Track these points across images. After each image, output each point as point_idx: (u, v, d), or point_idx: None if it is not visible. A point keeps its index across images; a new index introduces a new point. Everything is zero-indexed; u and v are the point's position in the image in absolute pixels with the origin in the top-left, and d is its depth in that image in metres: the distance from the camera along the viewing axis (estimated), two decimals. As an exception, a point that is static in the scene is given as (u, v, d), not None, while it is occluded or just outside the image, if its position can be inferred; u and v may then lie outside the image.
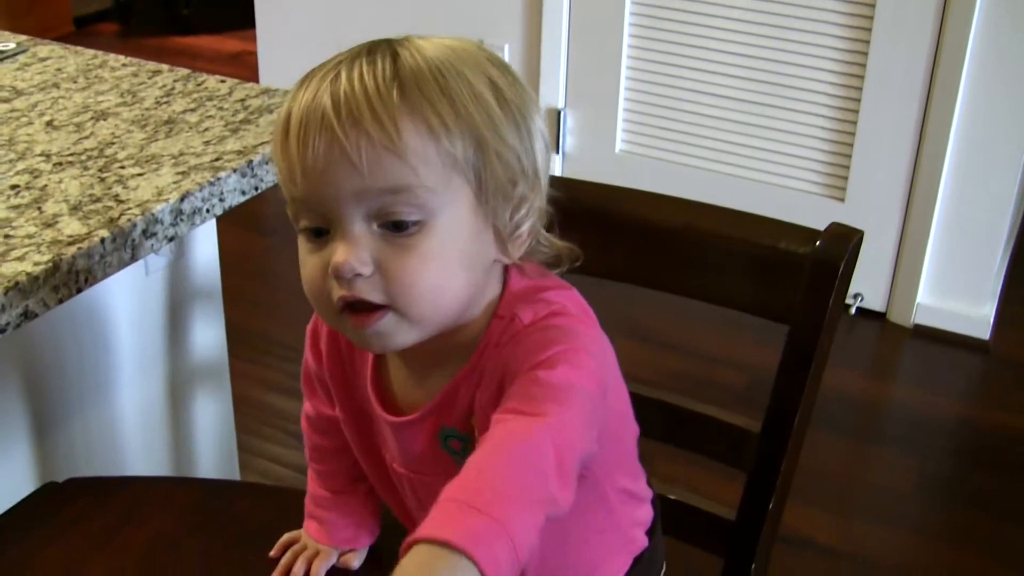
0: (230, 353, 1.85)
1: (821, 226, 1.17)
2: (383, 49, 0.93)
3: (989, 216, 2.97)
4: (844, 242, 1.13)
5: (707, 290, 1.23)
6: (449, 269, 0.93)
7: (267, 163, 1.38)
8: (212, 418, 1.85)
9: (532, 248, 1.00)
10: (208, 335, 1.78)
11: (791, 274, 1.15)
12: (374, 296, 0.92)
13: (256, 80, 3.76)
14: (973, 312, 3.06)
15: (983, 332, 3.06)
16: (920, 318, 3.11)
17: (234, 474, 1.94)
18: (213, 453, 1.87)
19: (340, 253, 0.91)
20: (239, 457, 1.97)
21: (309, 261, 0.95)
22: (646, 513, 1.18)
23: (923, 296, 3.10)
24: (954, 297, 3.07)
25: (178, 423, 1.78)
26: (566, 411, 0.89)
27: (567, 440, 0.88)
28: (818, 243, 1.15)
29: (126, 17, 5.41)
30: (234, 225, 1.75)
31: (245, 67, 4.64)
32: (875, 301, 3.14)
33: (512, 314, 0.97)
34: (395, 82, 0.89)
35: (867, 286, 3.12)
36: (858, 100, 2.99)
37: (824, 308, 1.13)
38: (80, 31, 5.13)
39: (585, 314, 1.01)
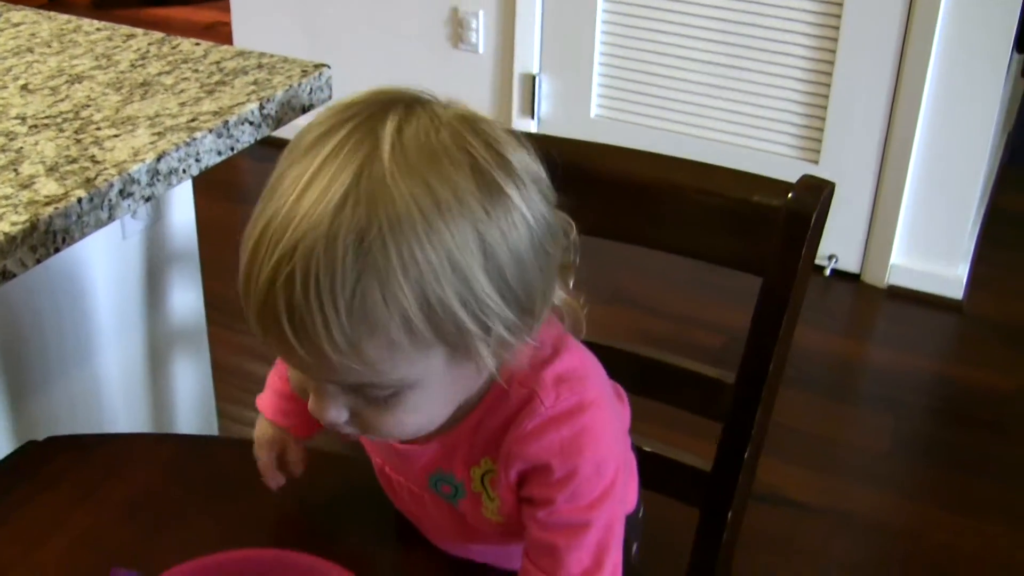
0: (208, 321, 1.85)
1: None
2: (352, 185, 0.79)
3: (962, 178, 2.99)
4: (816, 193, 1.14)
5: (682, 244, 1.23)
6: (432, 412, 0.91)
7: (243, 124, 1.38)
8: (191, 382, 1.85)
9: None
10: (186, 299, 1.79)
11: (765, 226, 1.16)
12: (354, 432, 0.92)
13: (230, 49, 3.76)
14: (947, 273, 3.09)
15: (956, 292, 3.08)
16: (894, 279, 3.13)
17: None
18: (193, 417, 1.87)
19: (313, 404, 0.89)
20: (219, 424, 1.98)
21: (290, 369, 0.91)
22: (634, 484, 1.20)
23: (897, 257, 3.12)
24: (928, 258, 3.10)
25: (158, 387, 1.79)
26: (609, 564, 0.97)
27: None
28: (790, 195, 1.16)
29: (100, -12, 5.38)
30: (208, 194, 1.75)
31: (219, 37, 4.60)
32: (850, 262, 3.16)
33: (530, 389, 0.94)
34: (357, 282, 0.78)
35: (841, 247, 3.14)
36: (831, 63, 3.00)
37: (797, 259, 1.14)
38: (53, 2, 5.09)
39: (596, 371, 1.00)
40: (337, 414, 0.88)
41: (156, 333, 1.75)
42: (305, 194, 0.79)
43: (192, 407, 1.87)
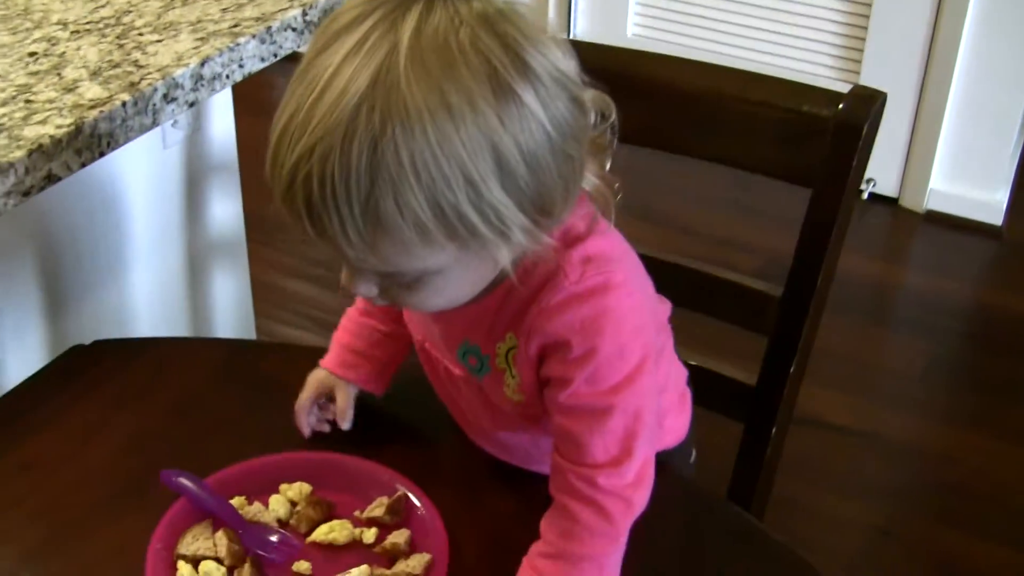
0: (246, 238, 1.85)
1: (834, 109, 1.17)
2: (368, 89, 0.80)
3: (1003, 102, 2.95)
4: (868, 104, 1.13)
5: (728, 154, 1.22)
6: (458, 292, 0.93)
7: (285, 30, 1.37)
8: (230, 294, 1.86)
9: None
10: (225, 210, 1.79)
11: (813, 137, 1.15)
12: (385, 304, 0.96)
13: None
14: (986, 198, 3.06)
15: (996, 218, 3.05)
16: (933, 203, 3.10)
17: (252, 345, 1.95)
18: (230, 330, 1.88)
19: (344, 278, 0.92)
20: (256, 330, 1.99)
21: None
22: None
23: (936, 182, 3.09)
24: (967, 183, 3.07)
25: (197, 298, 1.80)
26: (632, 464, 0.97)
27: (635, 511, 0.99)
28: (841, 105, 1.14)
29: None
30: (247, 112, 1.74)
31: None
32: (888, 186, 3.14)
33: (557, 264, 0.94)
34: (371, 187, 0.80)
35: (880, 171, 3.11)
36: (874, -17, 2.96)
37: (847, 170, 1.13)
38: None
39: (628, 257, 1.00)
40: (367, 289, 0.91)
41: (195, 244, 1.75)
42: (324, 94, 0.81)
43: (230, 319, 1.87)
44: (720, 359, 1.29)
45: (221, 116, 1.70)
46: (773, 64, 3.15)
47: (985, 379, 2.56)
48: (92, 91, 1.20)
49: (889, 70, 3.01)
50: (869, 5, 2.97)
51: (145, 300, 1.70)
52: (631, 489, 0.98)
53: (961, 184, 3.07)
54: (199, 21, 1.36)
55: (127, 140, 1.20)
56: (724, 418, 1.30)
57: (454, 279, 0.90)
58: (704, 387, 1.26)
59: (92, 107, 1.17)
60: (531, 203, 0.85)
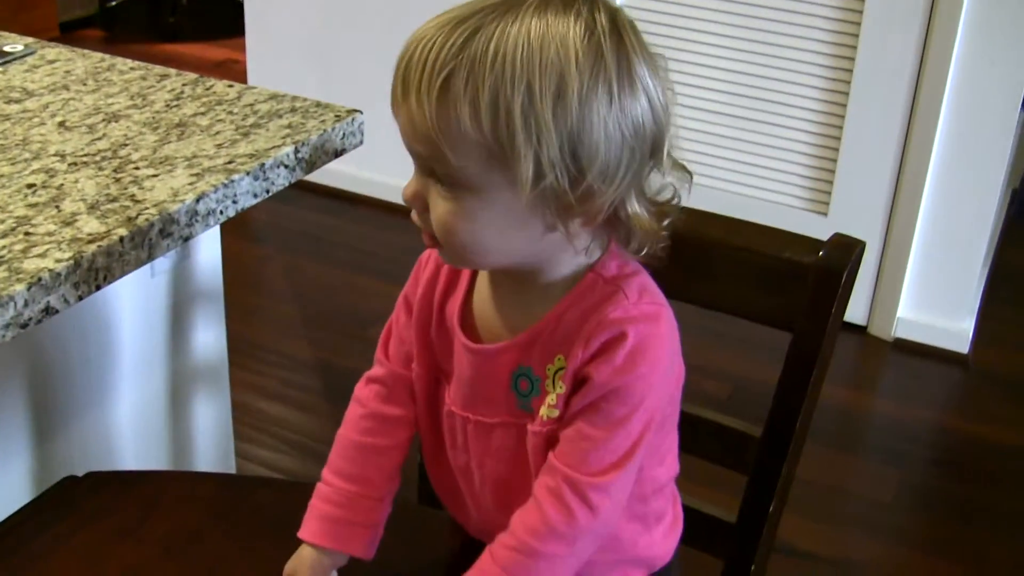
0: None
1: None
2: (491, 10, 0.96)
3: (969, 232, 3.02)
4: (847, 252, 1.17)
5: (711, 298, 1.26)
6: (483, 233, 1.01)
7: (278, 167, 1.40)
8: (211, 419, 1.87)
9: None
10: (209, 337, 1.80)
11: (794, 283, 1.19)
12: (426, 227, 1.03)
13: (245, 87, 3.79)
14: (953, 326, 3.11)
15: (962, 346, 3.10)
16: (901, 332, 3.15)
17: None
18: (210, 455, 1.89)
19: (407, 185, 1.03)
20: (236, 460, 1.99)
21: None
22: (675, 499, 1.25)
23: (904, 310, 3.14)
24: (934, 312, 3.12)
25: (177, 424, 1.80)
26: (618, 481, 1.05)
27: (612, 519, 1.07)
28: (821, 252, 1.18)
29: (111, 23, 5.42)
30: (226, 233, 1.77)
31: (230, 75, 4.65)
32: (856, 314, 3.18)
33: (616, 287, 1.05)
34: (450, 64, 0.94)
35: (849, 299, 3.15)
36: (842, 116, 3.03)
37: (827, 316, 1.17)
38: (65, 36, 5.13)
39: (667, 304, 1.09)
40: (412, 192, 1.02)
41: (179, 369, 1.76)
42: (456, 10, 0.97)
43: (210, 446, 1.88)
44: (695, 486, 1.31)
45: (208, 245, 1.73)
46: (744, 195, 3.21)
47: (955, 506, 2.58)
48: (90, 225, 1.22)
49: (858, 201, 3.07)
50: (839, 139, 3.05)
51: (129, 424, 1.70)
52: (605, 502, 1.05)
53: (928, 313, 3.12)
54: (194, 156, 1.39)
55: (123, 274, 1.22)
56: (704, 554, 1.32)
57: (486, 213, 0.99)
58: (685, 523, 1.28)
59: (90, 241, 1.19)
60: (569, 145, 0.95)
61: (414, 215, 1.05)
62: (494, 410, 1.11)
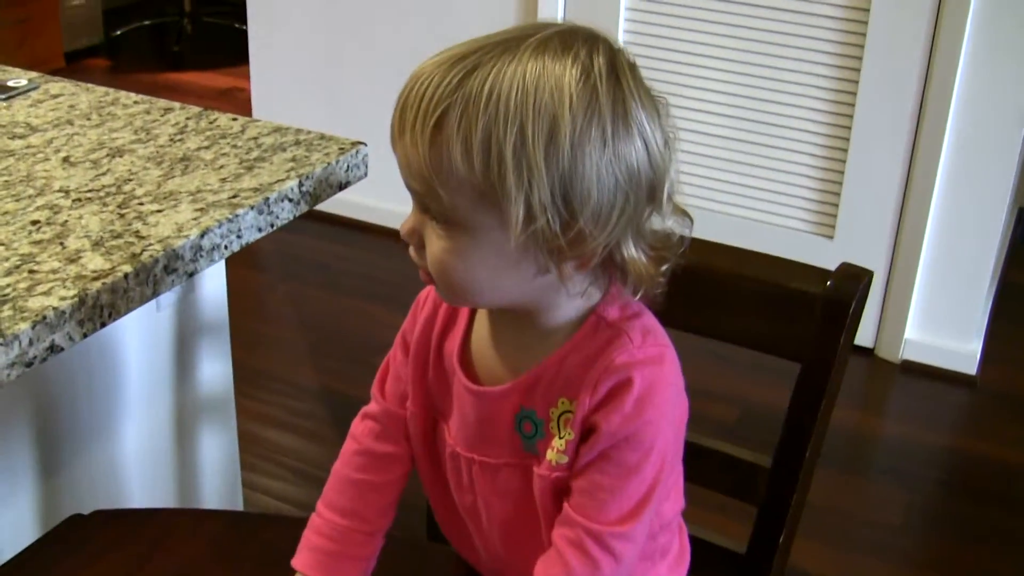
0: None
1: (812, 263, 1.21)
2: (489, 50, 0.96)
3: (975, 252, 3.01)
4: (855, 282, 1.17)
5: (720, 328, 1.25)
6: (475, 272, 1.01)
7: (283, 201, 1.40)
8: (217, 452, 1.86)
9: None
10: (215, 370, 1.80)
11: (802, 313, 1.18)
12: (422, 264, 1.04)
13: (249, 116, 3.80)
14: (960, 348, 3.10)
15: (970, 367, 3.09)
16: (908, 354, 3.14)
17: (238, 508, 1.95)
18: (217, 488, 1.88)
19: (405, 219, 1.04)
20: (243, 494, 1.99)
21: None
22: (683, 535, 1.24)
23: (911, 332, 3.14)
24: (941, 333, 3.11)
25: (184, 457, 1.80)
26: (638, 527, 1.05)
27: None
28: (829, 283, 1.18)
29: (116, 53, 5.44)
30: (231, 262, 1.77)
31: (235, 103, 4.67)
32: (864, 337, 3.18)
33: (619, 330, 1.05)
34: (444, 103, 0.94)
35: (855, 322, 3.15)
36: (847, 139, 3.03)
37: (836, 346, 1.16)
38: (71, 66, 5.15)
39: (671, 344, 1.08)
40: (408, 229, 1.03)
41: (184, 404, 1.76)
42: (457, 48, 0.98)
43: (217, 479, 1.87)
44: (706, 513, 1.31)
45: (214, 278, 1.73)
46: (750, 219, 3.20)
47: (965, 528, 2.57)
48: (95, 262, 1.22)
49: (863, 224, 3.07)
50: (844, 162, 3.05)
51: (136, 459, 1.70)
52: (628, 549, 1.05)
53: (936, 334, 3.12)
54: (198, 191, 1.39)
55: (128, 311, 1.22)
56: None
57: (478, 252, 0.99)
58: (693, 553, 1.27)
59: (95, 278, 1.19)
60: (561, 188, 0.95)
61: (411, 251, 1.05)
62: (499, 451, 1.11)
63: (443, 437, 1.16)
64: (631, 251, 1.01)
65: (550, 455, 1.07)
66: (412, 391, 1.18)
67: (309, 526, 1.21)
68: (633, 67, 1.00)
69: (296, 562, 1.19)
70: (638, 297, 1.05)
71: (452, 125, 0.94)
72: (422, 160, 0.96)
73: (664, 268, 1.05)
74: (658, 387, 1.03)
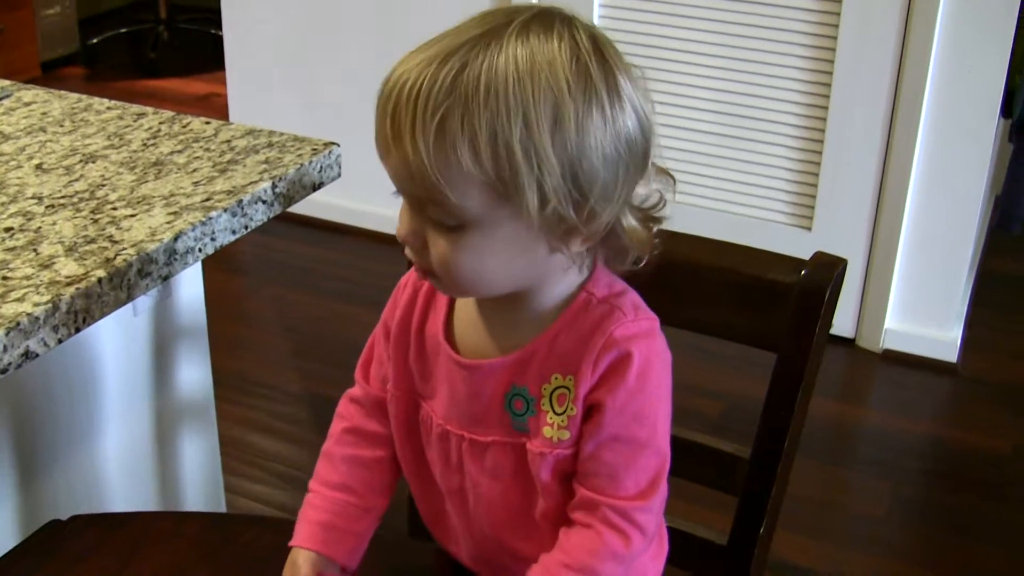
0: (214, 394, 1.86)
1: (791, 254, 1.21)
2: (474, 41, 0.96)
3: (953, 241, 3.02)
4: (829, 270, 1.17)
5: (696, 320, 1.25)
6: (487, 264, 1.01)
7: (256, 203, 1.40)
8: (199, 456, 1.86)
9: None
10: (194, 374, 1.80)
11: (778, 303, 1.18)
12: (422, 263, 1.04)
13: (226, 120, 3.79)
14: (941, 335, 3.11)
15: (951, 355, 3.10)
16: (889, 343, 3.15)
17: (221, 512, 1.95)
18: (200, 492, 1.88)
19: (400, 223, 1.03)
20: (225, 497, 1.98)
21: (400, 210, 1.05)
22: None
23: (891, 321, 3.15)
24: (921, 321, 3.12)
25: (164, 462, 1.79)
26: (656, 499, 1.08)
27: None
28: (803, 272, 1.18)
29: (93, 61, 5.42)
30: (211, 266, 1.77)
31: (213, 109, 4.66)
32: (844, 327, 3.19)
33: (611, 305, 1.07)
34: (443, 105, 0.93)
35: (836, 313, 3.15)
36: (823, 131, 3.04)
37: (811, 335, 1.16)
38: (47, 75, 5.13)
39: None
40: (411, 235, 1.02)
41: (164, 408, 1.75)
42: (437, 44, 0.97)
43: (199, 483, 1.87)
44: (689, 505, 1.31)
45: (191, 281, 1.72)
46: (729, 212, 3.21)
47: (949, 516, 2.57)
48: (68, 267, 1.21)
49: (841, 215, 3.08)
50: (820, 153, 3.05)
51: (116, 465, 1.70)
52: (652, 523, 1.08)
53: (916, 323, 3.13)
54: (172, 195, 1.38)
55: (102, 315, 1.21)
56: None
57: (490, 243, 0.99)
58: (675, 546, 1.27)
59: (68, 284, 1.18)
60: (570, 170, 0.96)
61: (408, 252, 1.05)
62: (487, 429, 1.12)
63: (427, 419, 1.17)
64: (629, 220, 1.04)
65: (548, 432, 1.08)
66: (393, 374, 1.18)
67: (305, 504, 1.21)
68: (610, 40, 1.01)
69: (295, 541, 1.19)
70: (641, 265, 1.08)
71: (455, 127, 0.93)
72: (427, 166, 0.95)
73: (656, 229, 1.07)
74: (654, 360, 1.06)
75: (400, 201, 1.04)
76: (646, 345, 1.05)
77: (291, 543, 1.19)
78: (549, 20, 0.98)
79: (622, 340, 1.05)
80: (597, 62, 0.97)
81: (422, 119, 0.94)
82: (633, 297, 1.09)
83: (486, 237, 0.99)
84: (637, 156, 1.01)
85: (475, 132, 0.93)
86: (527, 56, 0.95)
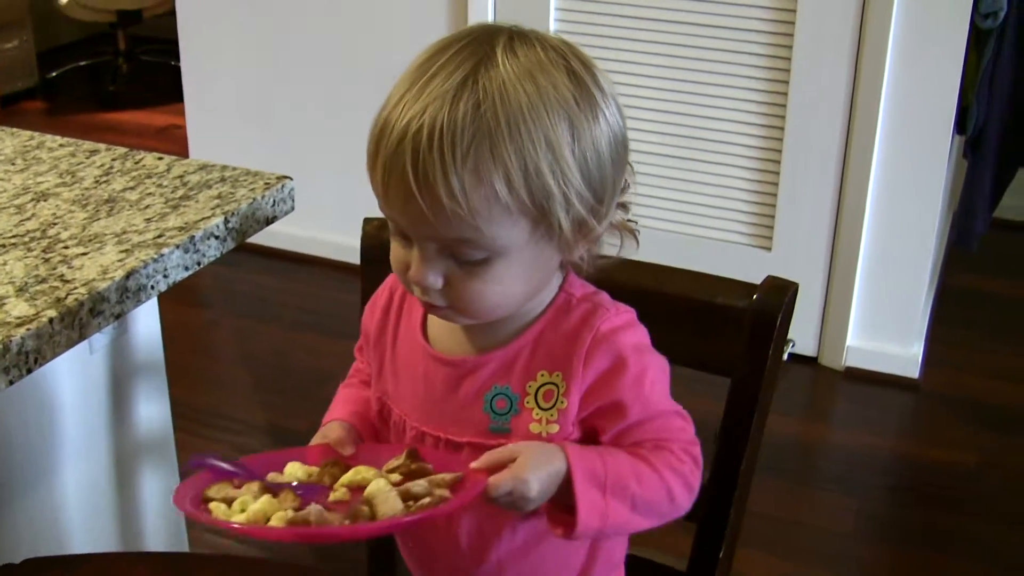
0: (173, 427, 1.85)
1: (750, 275, 1.21)
2: (472, 72, 0.98)
3: (912, 257, 3.04)
4: (780, 294, 1.17)
5: (649, 345, 1.25)
6: (511, 289, 1.05)
7: (209, 239, 1.40)
8: (159, 493, 1.84)
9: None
10: (153, 410, 1.78)
11: (730, 327, 1.19)
12: (440, 302, 1.05)
13: (185, 152, 3.78)
14: (902, 352, 3.13)
15: (913, 371, 3.12)
16: (851, 360, 3.17)
17: (183, 550, 1.93)
18: (161, 531, 1.86)
19: (415, 268, 1.04)
20: (187, 534, 1.97)
21: (395, 248, 1.07)
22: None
23: (853, 339, 3.16)
24: (883, 339, 3.14)
25: (125, 500, 1.78)
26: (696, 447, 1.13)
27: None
28: (755, 296, 1.18)
29: (52, 95, 5.40)
30: (171, 300, 1.76)
31: (173, 140, 4.64)
32: (806, 346, 3.20)
33: (593, 303, 1.11)
34: (473, 140, 0.96)
35: (798, 332, 3.17)
36: (779, 151, 3.05)
37: (764, 359, 1.17)
38: (6, 109, 5.10)
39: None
40: (434, 279, 1.03)
41: (123, 447, 1.74)
42: (434, 77, 0.98)
43: (160, 521, 1.85)
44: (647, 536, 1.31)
45: (147, 318, 1.71)
46: (688, 234, 3.22)
47: (914, 532, 2.58)
48: (19, 308, 1.21)
49: (800, 235, 3.09)
50: (777, 174, 3.07)
51: (75, 506, 1.68)
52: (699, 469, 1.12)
53: (877, 340, 3.14)
54: (124, 232, 1.38)
55: (55, 355, 1.21)
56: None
57: (515, 268, 1.03)
58: (635, 572, 1.28)
59: (19, 324, 1.17)
60: (591, 181, 1.01)
61: (419, 292, 1.06)
62: (462, 429, 1.12)
63: (400, 423, 1.17)
64: (618, 213, 1.09)
65: (536, 428, 1.09)
66: (373, 379, 1.21)
67: (329, 415, 1.24)
68: (572, 42, 1.06)
69: (327, 418, 1.22)
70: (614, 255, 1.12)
71: (487, 164, 0.96)
72: (462, 206, 0.96)
73: (630, 213, 1.12)
74: (644, 348, 1.11)
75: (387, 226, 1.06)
76: (632, 334, 1.10)
77: (324, 420, 1.22)
78: (524, 37, 1.02)
79: (610, 333, 1.08)
80: (586, 72, 1.03)
81: (452, 161, 0.95)
82: (606, 296, 1.13)
83: (512, 263, 1.02)
84: (624, 147, 1.06)
85: (507, 165, 0.96)
86: (529, 78, 0.98)
